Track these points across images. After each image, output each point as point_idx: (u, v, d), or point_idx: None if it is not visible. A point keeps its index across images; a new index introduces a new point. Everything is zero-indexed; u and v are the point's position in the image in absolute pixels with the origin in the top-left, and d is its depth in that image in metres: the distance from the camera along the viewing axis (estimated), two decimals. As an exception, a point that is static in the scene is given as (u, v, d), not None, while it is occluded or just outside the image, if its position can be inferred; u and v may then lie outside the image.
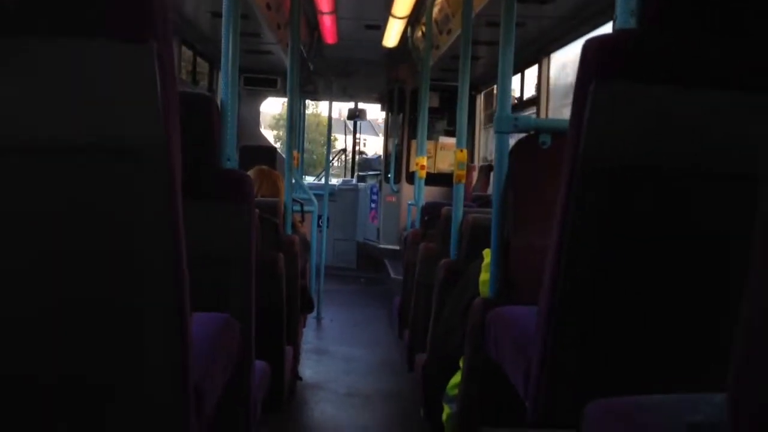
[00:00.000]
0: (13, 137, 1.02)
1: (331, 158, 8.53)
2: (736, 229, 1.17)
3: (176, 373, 1.11)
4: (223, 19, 1.86)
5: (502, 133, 2.05)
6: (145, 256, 1.07)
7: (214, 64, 6.10)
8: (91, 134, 1.02)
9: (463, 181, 3.06)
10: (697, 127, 1.17)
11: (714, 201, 1.20)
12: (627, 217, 1.21)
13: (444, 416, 2.46)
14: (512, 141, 2.12)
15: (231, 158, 1.83)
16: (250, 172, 3.61)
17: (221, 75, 1.89)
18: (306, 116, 9.08)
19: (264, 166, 3.80)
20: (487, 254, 2.19)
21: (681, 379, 1.24)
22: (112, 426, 1.13)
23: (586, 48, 1.18)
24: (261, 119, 8.19)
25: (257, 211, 2.33)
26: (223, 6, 1.87)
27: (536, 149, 1.92)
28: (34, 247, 1.07)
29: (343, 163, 11.10)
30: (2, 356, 1.11)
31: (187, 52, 5.41)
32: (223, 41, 1.85)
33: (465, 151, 3.13)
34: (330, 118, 6.75)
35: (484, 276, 2.18)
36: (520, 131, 2.03)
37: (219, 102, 1.90)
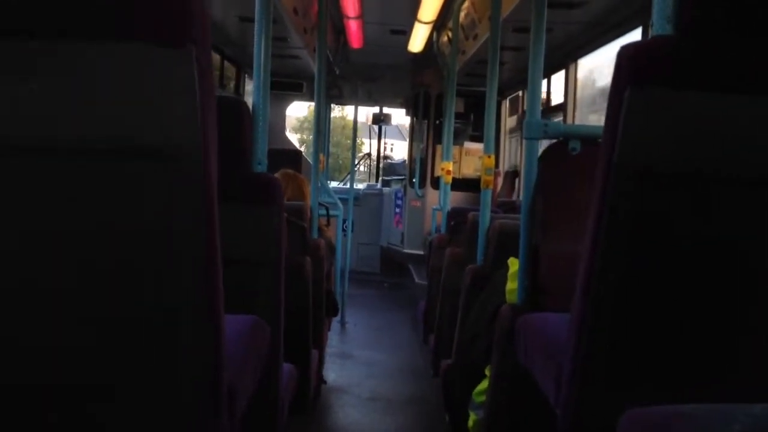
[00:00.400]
0: (54, 139, 1.04)
1: (356, 162, 8.55)
2: None
3: (209, 373, 1.12)
4: (256, 23, 1.88)
5: (531, 139, 2.04)
6: (181, 258, 1.08)
7: (242, 68, 6.15)
8: (129, 137, 1.03)
9: (491, 186, 3.05)
10: (733, 134, 1.16)
11: (751, 207, 1.18)
12: (661, 223, 1.20)
13: (470, 423, 2.45)
14: (541, 147, 2.11)
15: (262, 162, 1.84)
16: (276, 176, 3.63)
17: (254, 79, 1.90)
18: (332, 119, 9.10)
19: (290, 170, 3.82)
20: (512, 263, 2.18)
21: (716, 388, 1.23)
22: (147, 426, 1.15)
23: (621, 54, 1.17)
24: (286, 122, 8.23)
25: (285, 214, 2.35)
26: (256, 11, 1.88)
27: (566, 155, 1.91)
28: (70, 248, 1.09)
29: (369, 168, 11.10)
30: (35, 362, 1.12)
31: (215, 56, 5.46)
32: (255, 45, 1.87)
33: (492, 156, 3.12)
34: (355, 122, 6.77)
35: (511, 285, 2.16)
36: (550, 137, 2.02)
37: (250, 106, 1.92)
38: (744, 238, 1.20)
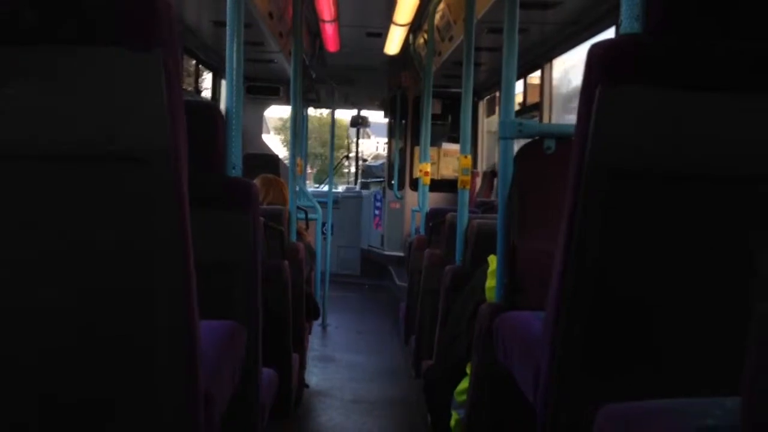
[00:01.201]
0: (22, 144, 1.03)
1: (334, 165, 8.54)
2: (745, 231, 1.16)
3: (185, 379, 1.11)
4: (227, 28, 1.87)
5: (506, 139, 2.05)
6: (153, 262, 1.07)
7: (218, 73, 6.12)
8: (97, 141, 1.02)
9: (468, 186, 3.06)
10: (702, 131, 1.17)
11: (721, 204, 1.20)
12: (633, 221, 1.21)
13: (452, 422, 2.46)
14: (516, 146, 2.12)
15: (236, 166, 1.83)
16: (256, 180, 3.62)
17: (226, 83, 1.89)
18: (314, 121, 9.06)
19: (270, 175, 3.81)
20: (491, 261, 2.19)
21: (690, 383, 1.24)
22: None
23: (591, 53, 1.18)
24: (267, 123, 8.20)
25: (262, 219, 2.34)
26: (227, 15, 1.87)
27: (541, 154, 1.92)
28: (40, 255, 1.08)
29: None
30: (8, 370, 1.11)
31: (191, 61, 5.43)
32: (227, 50, 1.86)
33: (469, 157, 3.13)
34: (333, 125, 6.76)
35: (490, 282, 2.17)
36: (525, 137, 2.03)
37: (224, 110, 1.91)
38: (714, 234, 1.21)
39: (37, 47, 1.00)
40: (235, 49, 1.86)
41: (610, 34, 3.76)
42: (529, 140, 2.02)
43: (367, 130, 10.02)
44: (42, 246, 1.07)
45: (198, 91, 5.82)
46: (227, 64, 1.89)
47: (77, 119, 1.02)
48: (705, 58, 1.15)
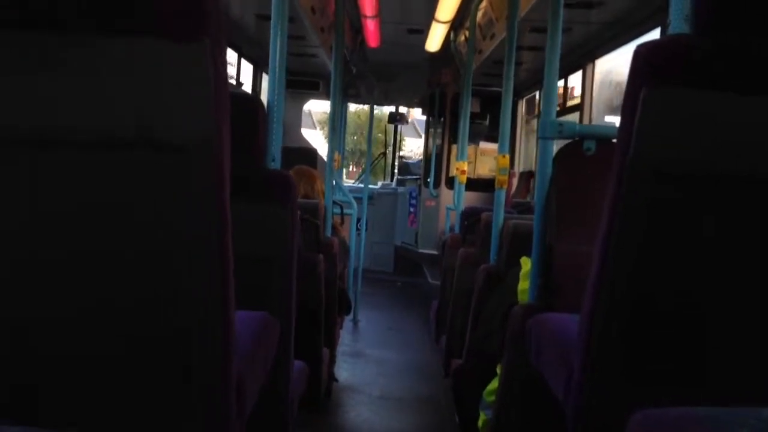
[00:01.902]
0: (67, 131, 1.05)
1: (371, 162, 8.56)
2: None
3: (219, 369, 1.13)
4: (272, 21, 1.88)
5: (546, 139, 2.03)
6: (193, 252, 1.08)
7: (259, 66, 6.17)
8: (143, 130, 1.04)
9: (505, 186, 3.04)
10: (749, 134, 1.14)
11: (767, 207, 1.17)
12: (675, 224, 1.19)
13: (480, 423, 2.45)
14: (556, 147, 2.11)
15: (276, 159, 1.85)
16: (290, 172, 3.64)
17: (269, 77, 1.91)
18: (362, 116, 9.06)
19: (303, 166, 3.83)
20: (524, 262, 2.18)
21: (728, 391, 1.22)
22: (156, 422, 1.15)
23: (637, 53, 1.16)
24: (312, 117, 8.24)
25: (299, 212, 2.35)
26: (272, 8, 1.89)
27: (580, 155, 1.90)
28: (81, 242, 1.10)
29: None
30: (42, 355, 1.13)
31: (232, 54, 5.49)
32: (271, 43, 1.87)
33: (507, 156, 3.11)
34: (371, 121, 6.76)
35: (523, 285, 2.16)
36: (565, 137, 2.01)
37: (265, 103, 1.92)
38: (760, 238, 1.19)
39: (81, 36, 1.01)
40: (278, 42, 1.88)
41: (655, 35, 3.70)
42: (569, 141, 2.01)
43: (416, 127, 10.00)
44: (83, 235, 1.09)
45: (239, 83, 5.88)
46: (270, 58, 1.90)
47: (121, 108, 1.04)
48: (754, 59, 1.12)
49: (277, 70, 1.88)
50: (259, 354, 1.41)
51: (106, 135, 1.04)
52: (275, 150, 1.84)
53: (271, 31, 1.88)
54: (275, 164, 1.85)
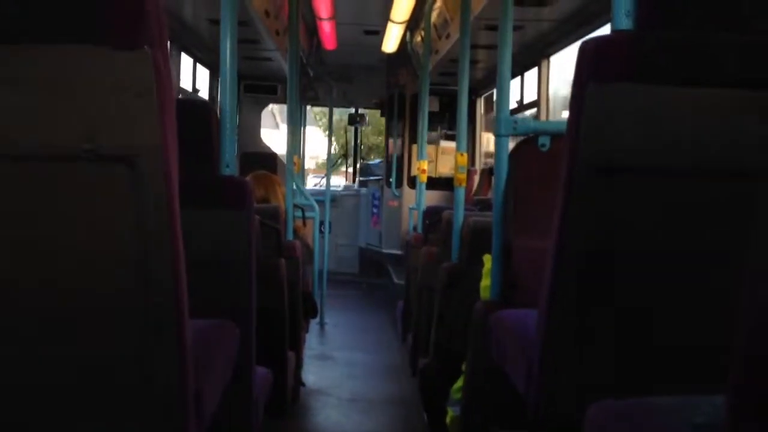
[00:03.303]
0: (8, 144, 1.02)
1: (332, 164, 8.54)
2: (736, 227, 1.16)
3: (175, 378, 1.11)
4: (221, 25, 1.86)
5: (501, 136, 2.05)
6: (143, 261, 1.06)
7: (215, 72, 6.10)
8: (87, 141, 1.02)
9: (464, 184, 3.06)
10: (693, 126, 1.17)
11: (714, 199, 1.19)
12: (625, 217, 1.21)
13: (448, 419, 2.46)
14: (512, 144, 2.12)
15: (230, 165, 1.83)
16: (248, 177, 3.61)
17: (220, 82, 1.89)
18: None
19: (261, 171, 3.80)
20: (487, 260, 2.19)
21: (681, 380, 1.24)
22: (112, 429, 1.13)
23: (582, 50, 1.18)
24: (276, 118, 8.16)
25: (258, 217, 2.33)
26: (221, 13, 1.87)
27: (536, 151, 1.92)
28: (29, 254, 1.07)
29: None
30: (6, 364, 1.11)
31: (188, 59, 5.42)
32: (221, 48, 1.85)
33: (465, 154, 3.13)
34: (330, 123, 6.74)
35: (485, 282, 2.17)
36: (520, 134, 2.03)
37: (218, 109, 1.91)
38: (706, 230, 1.21)
39: (21, 46, 0.99)
40: (229, 46, 1.86)
41: (607, 30, 3.76)
42: (525, 137, 2.02)
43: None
44: (29, 247, 1.06)
45: (195, 90, 5.81)
46: (221, 62, 1.88)
47: (64, 119, 1.02)
48: (695, 53, 1.14)
49: (228, 74, 1.86)
50: (218, 361, 1.39)
51: (48, 146, 1.02)
52: (229, 156, 1.82)
53: (221, 35, 1.86)
54: (230, 170, 1.83)
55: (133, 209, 1.05)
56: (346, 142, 10.25)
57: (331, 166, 7.17)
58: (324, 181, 7.73)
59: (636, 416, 0.93)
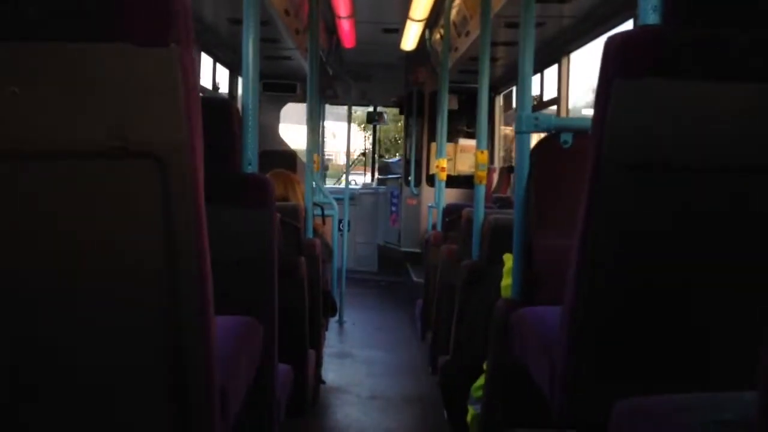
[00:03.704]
0: (36, 142, 1.04)
1: (350, 163, 8.55)
2: (766, 224, 1.15)
3: (201, 375, 1.12)
4: (244, 25, 1.87)
5: (522, 133, 2.04)
6: (169, 259, 1.07)
7: (234, 71, 6.13)
8: (113, 138, 1.03)
9: (484, 182, 3.05)
10: (721, 123, 1.16)
11: (743, 197, 1.18)
12: (651, 215, 1.20)
13: (469, 417, 2.45)
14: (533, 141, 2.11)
15: (252, 163, 1.84)
16: (267, 176, 3.62)
17: (243, 81, 1.90)
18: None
19: (280, 169, 3.81)
20: (507, 259, 2.19)
21: (706, 377, 1.23)
22: (139, 428, 1.14)
23: (608, 45, 1.17)
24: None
25: (278, 215, 2.34)
26: (243, 12, 1.88)
27: (557, 149, 1.91)
28: (56, 252, 1.08)
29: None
30: (28, 362, 1.12)
31: (208, 59, 5.45)
32: (243, 47, 1.86)
33: (485, 152, 3.12)
34: (349, 121, 6.75)
35: (506, 281, 2.16)
36: (541, 131, 2.02)
37: (240, 107, 1.91)
38: (736, 227, 1.20)
39: (47, 43, 1.00)
40: (251, 46, 1.87)
41: (628, 26, 3.73)
42: (546, 135, 2.01)
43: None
44: (56, 245, 1.07)
45: (216, 88, 5.84)
46: (243, 61, 1.89)
47: (92, 117, 1.03)
48: (722, 48, 1.13)
49: (250, 73, 1.87)
50: (242, 358, 1.40)
51: (75, 144, 1.03)
52: (251, 154, 1.83)
53: (243, 35, 1.87)
54: (252, 168, 1.84)
55: (160, 206, 1.06)
56: (374, 139, 10.23)
57: (349, 164, 7.18)
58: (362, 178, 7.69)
59: (662, 413, 0.93)
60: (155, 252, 1.07)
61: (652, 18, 1.23)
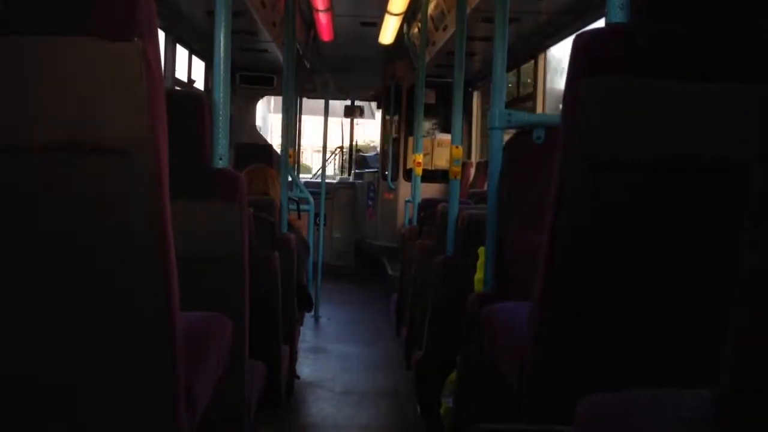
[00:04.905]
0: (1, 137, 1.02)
1: (327, 157, 8.54)
2: (729, 219, 1.16)
3: (165, 372, 1.11)
4: (216, 14, 1.85)
5: (496, 129, 2.04)
6: (132, 254, 1.06)
7: (211, 63, 6.08)
8: (76, 132, 1.01)
9: (459, 177, 3.05)
10: (688, 120, 1.16)
11: (709, 194, 1.19)
12: (619, 211, 1.20)
13: (442, 410, 2.46)
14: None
15: (223, 157, 1.82)
16: (245, 172, 3.61)
17: (214, 73, 1.88)
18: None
19: (259, 164, 3.79)
20: (482, 252, 2.19)
21: (673, 373, 1.24)
22: (101, 428, 1.13)
23: (576, 43, 1.17)
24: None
25: (252, 210, 2.32)
26: (215, 3, 1.86)
27: (530, 144, 1.92)
28: (18, 247, 1.07)
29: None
30: None
31: (183, 51, 5.40)
32: (215, 38, 1.84)
33: (460, 147, 3.12)
34: (326, 115, 6.73)
35: (479, 274, 2.17)
36: (514, 127, 2.02)
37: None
38: (702, 224, 1.21)
39: (9, 38, 0.98)
40: (222, 37, 1.84)
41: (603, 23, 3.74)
42: (520, 130, 2.02)
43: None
44: (18, 240, 1.06)
45: (191, 81, 5.79)
46: (215, 53, 1.87)
47: (53, 111, 1.01)
48: (689, 48, 1.14)
49: (222, 65, 1.85)
50: (209, 355, 1.39)
51: (36, 139, 1.02)
52: (222, 148, 1.81)
53: (215, 26, 1.84)
54: (223, 162, 1.82)
55: (123, 201, 1.04)
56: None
57: (325, 159, 7.15)
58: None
59: (625, 410, 0.93)
60: (118, 248, 1.06)
61: (619, 16, 1.23)
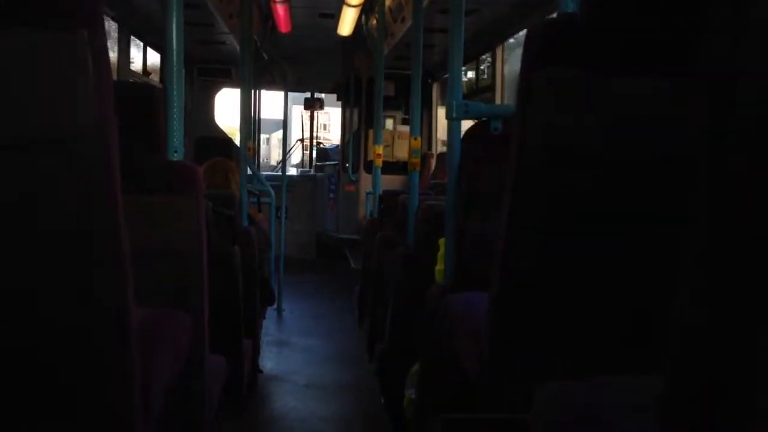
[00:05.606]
0: None
1: (288, 149, 8.49)
2: (677, 212, 1.18)
3: (118, 368, 1.09)
4: (167, 5, 1.82)
5: (453, 120, 2.05)
6: (83, 248, 1.04)
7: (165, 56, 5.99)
8: (22, 127, 0.98)
9: (418, 168, 3.06)
10: (639, 113, 1.18)
11: (658, 185, 1.21)
12: (571, 202, 1.22)
13: (405, 402, 2.47)
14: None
15: (178, 150, 1.79)
16: (205, 166, 3.57)
17: (166, 64, 1.84)
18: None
19: (219, 158, 3.76)
20: (442, 243, 2.20)
21: (630, 360, 1.26)
22: (52, 425, 1.10)
23: (529, 34, 1.18)
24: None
25: (210, 204, 2.30)
26: None
27: (487, 135, 1.93)
28: None
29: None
30: None
31: (138, 43, 5.31)
32: (166, 29, 1.81)
33: (419, 139, 3.13)
34: (286, 107, 6.68)
35: (440, 265, 2.18)
36: (471, 118, 2.03)
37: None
38: (651, 215, 1.23)
39: None
40: (174, 27, 1.81)
41: (559, 15, 3.78)
42: (477, 121, 2.03)
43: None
44: None
45: (146, 73, 5.69)
46: (167, 44, 1.84)
47: None
48: (642, 39, 1.15)
49: (174, 56, 1.81)
50: (165, 351, 1.37)
51: None
52: (177, 141, 1.78)
53: (166, 16, 1.81)
54: (178, 155, 1.79)
55: (73, 195, 1.02)
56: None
57: (286, 151, 7.11)
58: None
59: (581, 397, 0.95)
60: (68, 242, 1.03)
61: (570, 6, 1.24)
